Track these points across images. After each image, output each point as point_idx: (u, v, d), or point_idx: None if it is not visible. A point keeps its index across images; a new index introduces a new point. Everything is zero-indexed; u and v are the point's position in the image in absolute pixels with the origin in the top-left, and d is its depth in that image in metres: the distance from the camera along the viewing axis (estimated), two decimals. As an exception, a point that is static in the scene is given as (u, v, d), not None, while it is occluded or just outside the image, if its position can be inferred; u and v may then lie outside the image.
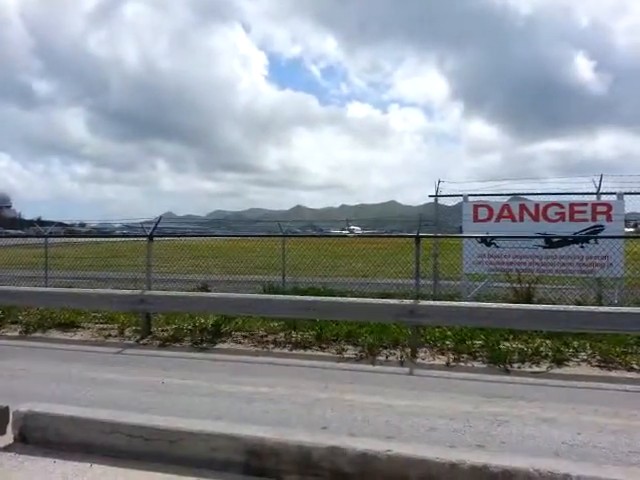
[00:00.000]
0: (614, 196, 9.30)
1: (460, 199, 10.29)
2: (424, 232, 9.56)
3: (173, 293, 8.95)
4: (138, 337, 8.41)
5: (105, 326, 9.22)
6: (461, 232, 10.11)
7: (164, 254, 14.84)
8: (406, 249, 10.29)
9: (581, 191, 9.88)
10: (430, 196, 10.78)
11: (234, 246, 16.69)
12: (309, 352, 7.49)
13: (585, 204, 9.16)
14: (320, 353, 7.44)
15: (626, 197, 9.23)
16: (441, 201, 11.06)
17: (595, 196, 9.62)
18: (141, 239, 10.48)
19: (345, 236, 11.60)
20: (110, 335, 8.64)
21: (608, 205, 9.02)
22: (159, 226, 10.61)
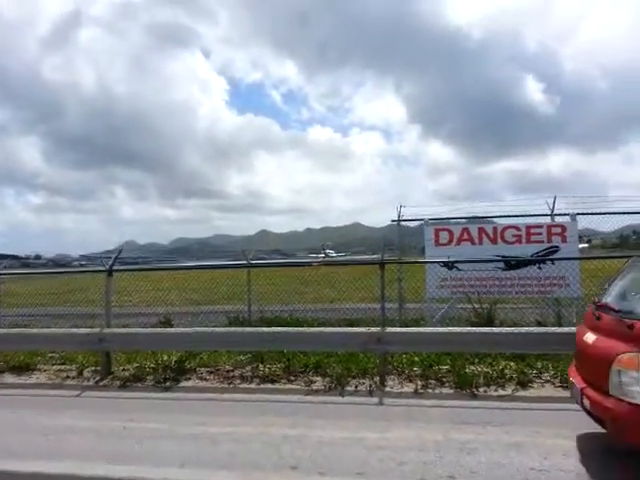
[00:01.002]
0: (567, 217, 9.66)
1: (424, 213, 10.42)
2: (388, 254, 9.67)
3: (134, 330, 8.68)
4: (98, 378, 8.08)
5: (63, 367, 8.81)
6: (424, 254, 10.25)
7: (125, 285, 14.40)
8: (371, 273, 10.34)
9: (536, 211, 10.23)
10: (393, 221, 10.92)
11: (198, 275, 16.38)
12: (277, 386, 7.36)
13: (540, 226, 9.48)
14: (288, 386, 7.32)
15: (579, 216, 9.61)
16: (404, 223, 11.24)
17: (549, 217, 9.97)
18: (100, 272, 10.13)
19: (309, 264, 11.57)
20: (68, 377, 8.26)
21: (562, 226, 9.36)
22: (120, 255, 10.30)
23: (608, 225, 9.96)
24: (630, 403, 3.84)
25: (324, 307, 13.15)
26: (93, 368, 8.44)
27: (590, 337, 4.52)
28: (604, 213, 9.61)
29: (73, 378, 8.20)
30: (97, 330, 8.36)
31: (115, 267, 9.05)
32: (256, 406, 6.48)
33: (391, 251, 11.56)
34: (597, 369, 4.22)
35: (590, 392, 4.27)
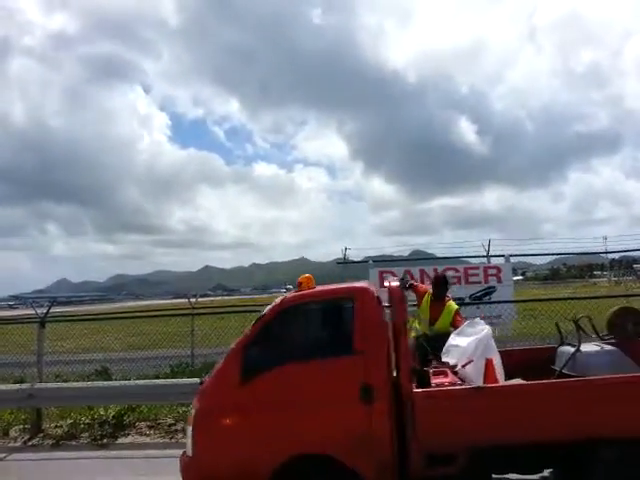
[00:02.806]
0: (502, 259, 10.16)
1: (367, 252, 10.60)
2: None
3: (67, 384, 8.15)
4: (27, 437, 7.50)
5: (-16, 427, 8.12)
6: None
7: (59, 330, 13.56)
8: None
9: (473, 252, 10.73)
10: (338, 263, 11.09)
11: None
12: None
13: (477, 268, 9.88)
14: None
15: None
16: (349, 256, 11.48)
17: (486, 259, 10.46)
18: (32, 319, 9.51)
19: (255, 310, 11.43)
20: (-9, 438, 7.62)
21: (498, 268, 9.81)
22: (53, 294, 9.74)
23: (540, 259, 10.55)
24: (186, 455, 4.17)
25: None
26: (22, 426, 7.83)
27: None
28: (534, 254, 10.21)
29: (-2, 439, 7.58)
30: (26, 386, 7.78)
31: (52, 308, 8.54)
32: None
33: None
34: None
35: None
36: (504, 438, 3.91)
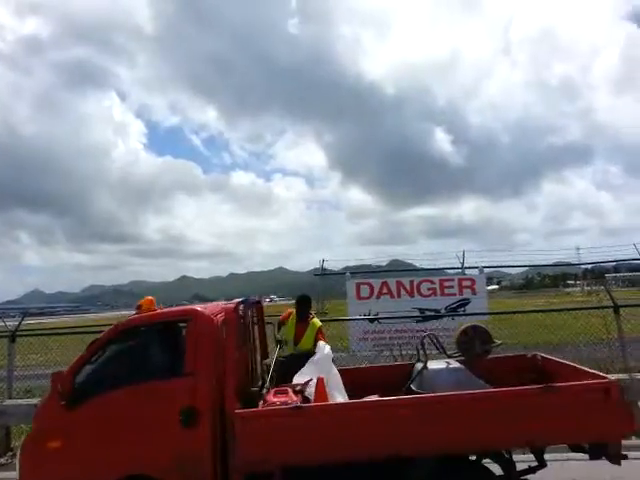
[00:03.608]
0: (476, 270, 10.36)
1: (346, 262, 10.74)
2: (313, 297, 9.81)
3: (37, 400, 7.93)
4: (-6, 456, 7.29)
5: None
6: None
7: (30, 342, 13.21)
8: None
9: (448, 264, 10.94)
10: (315, 275, 11.17)
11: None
12: None
13: (452, 279, 10.07)
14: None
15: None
16: (327, 266, 11.63)
17: (461, 270, 10.65)
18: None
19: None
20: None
21: (472, 280, 10.00)
22: (25, 306, 9.52)
23: (515, 268, 10.77)
24: None
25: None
26: (-12, 445, 7.61)
27: None
28: (508, 266, 10.44)
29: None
30: (-5, 402, 7.59)
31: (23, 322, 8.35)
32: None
33: (316, 295, 11.78)
34: None
35: None
36: (320, 457, 3.97)
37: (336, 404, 4.42)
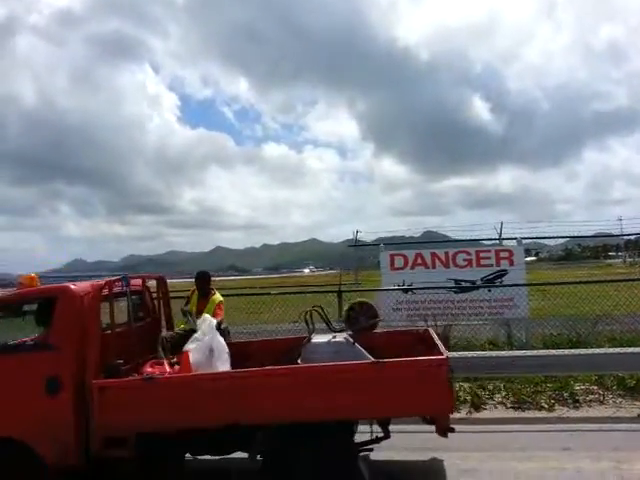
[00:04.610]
0: (514, 241, 10.14)
1: (379, 234, 10.73)
2: (346, 268, 9.73)
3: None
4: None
5: None
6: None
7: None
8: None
9: (486, 229, 10.77)
10: (349, 246, 11.18)
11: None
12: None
13: (489, 251, 9.90)
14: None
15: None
16: (361, 237, 11.68)
17: (498, 241, 10.45)
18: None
19: (269, 294, 11.62)
20: None
21: (510, 251, 9.80)
22: (70, 274, 9.95)
23: (554, 240, 10.51)
24: None
25: (285, 328, 13.11)
26: None
27: None
28: (546, 237, 10.17)
29: None
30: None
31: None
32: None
33: (349, 262, 11.87)
34: None
35: None
36: (169, 425, 4.38)
37: (180, 376, 4.71)
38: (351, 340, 5.06)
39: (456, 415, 6.77)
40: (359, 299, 6.28)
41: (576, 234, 11.41)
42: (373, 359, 4.62)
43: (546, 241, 10.37)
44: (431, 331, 5.81)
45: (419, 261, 9.96)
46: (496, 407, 7.12)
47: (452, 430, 4.45)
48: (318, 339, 5.15)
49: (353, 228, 11.32)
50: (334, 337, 5.16)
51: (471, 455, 5.42)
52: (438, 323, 9.57)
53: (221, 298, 6.24)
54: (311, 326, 5.26)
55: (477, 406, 7.09)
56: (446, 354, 4.46)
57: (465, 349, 9.01)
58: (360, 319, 5.72)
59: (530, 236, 10.15)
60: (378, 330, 6.21)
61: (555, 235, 10.37)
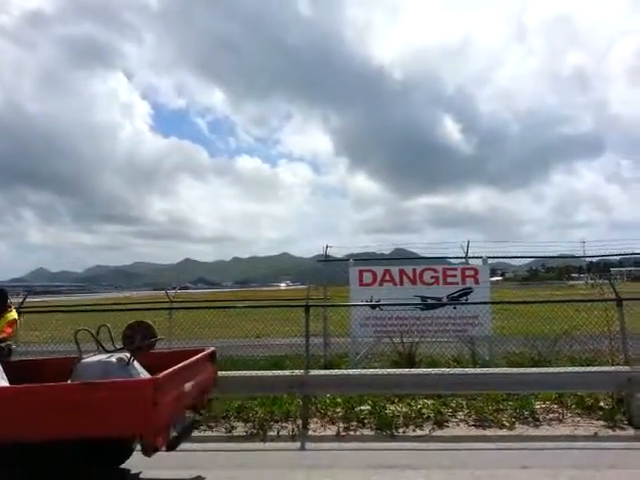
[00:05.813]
0: (480, 260, 10.32)
1: (350, 249, 10.73)
2: (317, 283, 9.68)
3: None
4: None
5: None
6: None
7: (34, 320, 13.33)
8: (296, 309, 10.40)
9: (453, 254, 10.92)
10: (319, 261, 11.17)
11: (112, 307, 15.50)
12: (195, 434, 7.07)
13: (455, 269, 10.04)
14: (208, 434, 7.08)
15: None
16: (331, 253, 11.70)
17: (464, 260, 10.61)
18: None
19: (234, 307, 11.48)
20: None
21: (475, 269, 9.96)
22: (30, 284, 9.68)
23: (520, 260, 10.72)
24: None
25: (250, 343, 13.00)
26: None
27: None
28: (512, 257, 10.38)
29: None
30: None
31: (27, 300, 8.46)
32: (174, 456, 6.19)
33: (319, 278, 11.84)
34: None
35: None
36: None
37: None
38: (125, 360, 5.06)
39: (419, 432, 6.83)
40: (138, 319, 6.06)
41: (540, 255, 11.69)
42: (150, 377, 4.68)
43: (512, 262, 10.62)
44: (212, 349, 5.99)
45: (387, 277, 10.02)
46: (458, 425, 7.14)
47: (156, 450, 4.43)
48: (91, 359, 5.15)
49: (324, 243, 11.38)
50: (109, 357, 5.14)
51: (434, 473, 5.40)
52: (404, 340, 9.66)
53: (15, 316, 6.36)
54: (97, 344, 5.38)
55: (440, 423, 7.10)
56: (164, 375, 4.44)
57: (430, 366, 9.08)
58: (136, 338, 5.62)
59: (496, 255, 10.36)
60: (165, 349, 6.50)
61: (520, 255, 10.60)
